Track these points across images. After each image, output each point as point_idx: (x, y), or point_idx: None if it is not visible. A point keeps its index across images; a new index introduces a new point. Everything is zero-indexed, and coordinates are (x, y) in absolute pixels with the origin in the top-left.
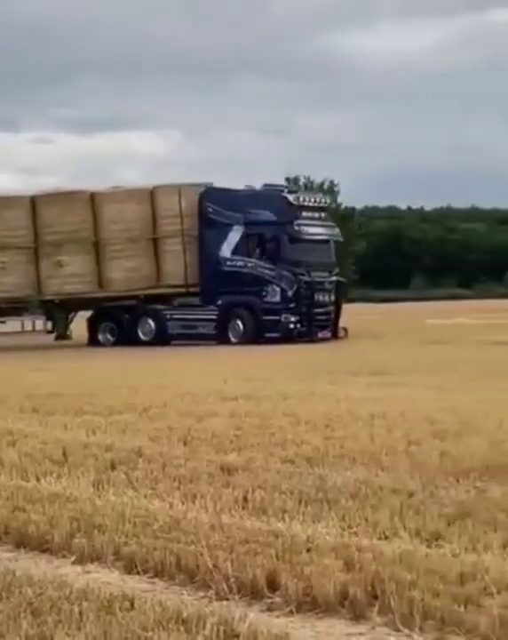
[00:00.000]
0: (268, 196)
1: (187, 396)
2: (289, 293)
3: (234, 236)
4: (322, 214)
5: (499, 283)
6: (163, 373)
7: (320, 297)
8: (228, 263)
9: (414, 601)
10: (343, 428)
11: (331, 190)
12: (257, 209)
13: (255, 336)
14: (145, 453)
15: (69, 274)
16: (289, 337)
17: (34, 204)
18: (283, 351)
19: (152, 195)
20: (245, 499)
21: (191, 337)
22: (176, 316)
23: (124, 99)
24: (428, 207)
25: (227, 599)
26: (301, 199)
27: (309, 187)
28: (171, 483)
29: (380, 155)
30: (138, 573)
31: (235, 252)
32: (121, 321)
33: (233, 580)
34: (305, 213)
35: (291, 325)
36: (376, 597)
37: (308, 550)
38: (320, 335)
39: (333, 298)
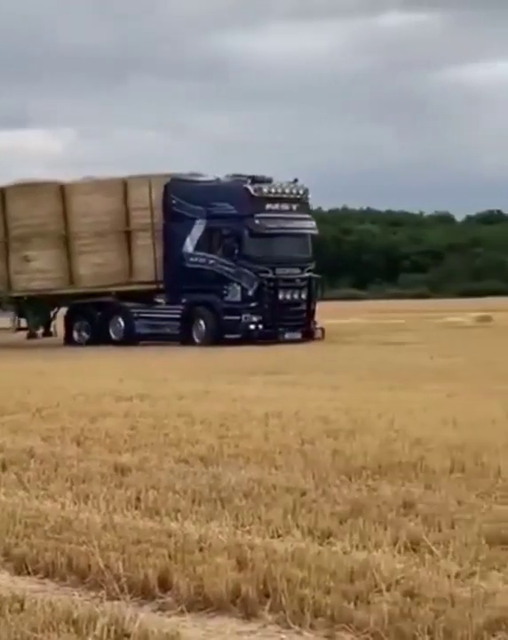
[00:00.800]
0: (229, 187)
1: (81, 397)
2: (250, 292)
3: (197, 230)
4: (294, 206)
5: (392, 283)
6: (60, 374)
7: (286, 295)
8: (191, 260)
9: (305, 598)
10: (238, 427)
11: None
12: (219, 201)
13: (216, 337)
14: (37, 453)
15: (36, 269)
16: (250, 338)
17: (3, 195)
18: (186, 351)
19: (124, 186)
20: (138, 499)
21: (157, 337)
22: (143, 315)
23: (19, 97)
24: (325, 208)
25: (119, 599)
26: (264, 190)
27: None
28: (64, 483)
29: (276, 155)
30: (28, 574)
31: (198, 247)
32: (94, 319)
33: (124, 580)
34: (269, 205)
35: (252, 326)
36: (267, 596)
37: (201, 549)
38: (287, 336)
39: (305, 296)
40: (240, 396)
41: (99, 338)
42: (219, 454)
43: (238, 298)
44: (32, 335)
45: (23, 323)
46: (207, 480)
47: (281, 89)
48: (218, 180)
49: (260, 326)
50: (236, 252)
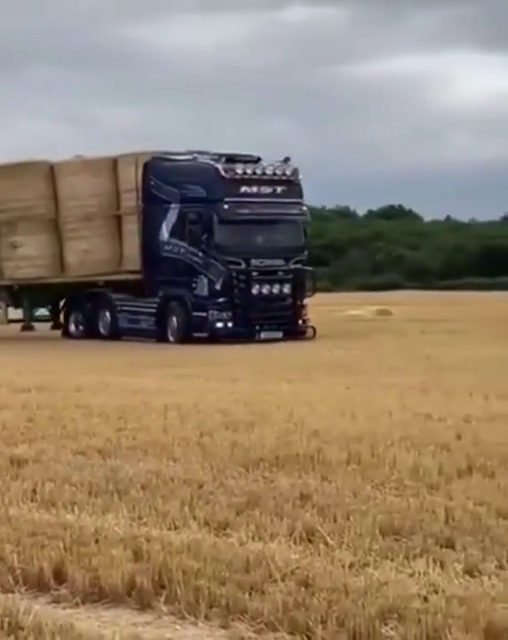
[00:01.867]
0: (200, 168)
1: None
2: (217, 285)
3: (172, 215)
4: (279, 189)
5: None
6: None
7: (262, 289)
8: (166, 248)
9: (200, 589)
10: (136, 419)
11: None
12: (191, 183)
13: (186, 335)
14: None
15: (23, 256)
16: (217, 337)
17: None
18: (88, 345)
19: (114, 165)
20: (34, 491)
21: (136, 332)
22: (125, 308)
23: None
24: None
25: (13, 592)
26: (238, 171)
27: None
28: None
29: (179, 147)
30: None
31: (172, 234)
32: (85, 311)
33: (19, 572)
34: (245, 188)
35: (220, 324)
36: (163, 587)
37: (96, 542)
38: (263, 336)
39: (289, 290)
40: (139, 389)
41: (91, 331)
42: (117, 446)
43: (205, 292)
44: (27, 327)
45: (13, 314)
46: (104, 472)
47: (185, 81)
48: (194, 158)
49: (229, 324)
50: (205, 240)
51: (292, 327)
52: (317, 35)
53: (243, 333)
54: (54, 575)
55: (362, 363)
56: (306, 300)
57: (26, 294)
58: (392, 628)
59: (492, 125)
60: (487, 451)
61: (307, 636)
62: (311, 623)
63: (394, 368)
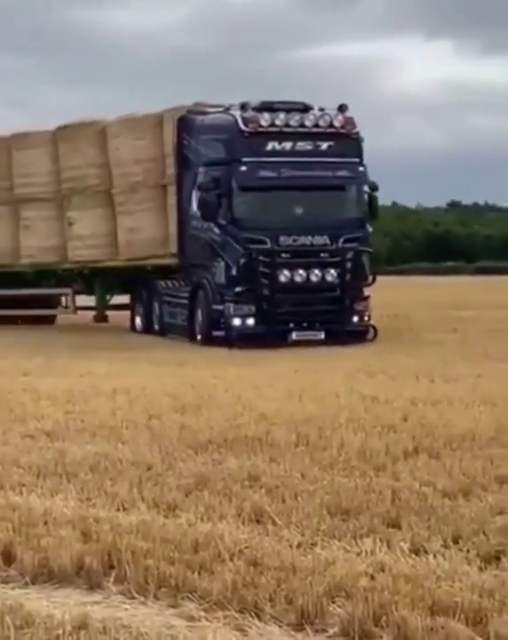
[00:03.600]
0: (221, 120)
1: None
2: (233, 270)
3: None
4: (324, 145)
5: None
6: None
7: (295, 276)
8: (193, 224)
9: (149, 569)
10: (84, 402)
11: None
12: (214, 141)
13: (208, 334)
14: None
15: (76, 235)
16: (236, 339)
17: (54, 141)
18: (29, 329)
19: (160, 124)
20: None
21: (175, 329)
22: (167, 299)
23: None
24: None
25: None
26: (263, 122)
27: None
28: None
29: None
30: None
31: (199, 206)
32: (144, 301)
33: None
34: (272, 145)
35: (236, 321)
36: (112, 567)
37: (45, 523)
38: (296, 337)
39: (335, 277)
40: (87, 372)
41: (149, 325)
42: (65, 429)
43: (223, 279)
44: (100, 317)
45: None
46: (52, 455)
47: (130, 64)
48: (226, 109)
49: (250, 321)
50: (222, 212)
51: (339, 326)
52: (263, 19)
53: (268, 334)
54: (3, 556)
55: (310, 347)
56: (366, 291)
57: (99, 279)
58: (339, 606)
59: (438, 112)
60: (432, 432)
61: (256, 614)
62: (259, 602)
63: (340, 352)
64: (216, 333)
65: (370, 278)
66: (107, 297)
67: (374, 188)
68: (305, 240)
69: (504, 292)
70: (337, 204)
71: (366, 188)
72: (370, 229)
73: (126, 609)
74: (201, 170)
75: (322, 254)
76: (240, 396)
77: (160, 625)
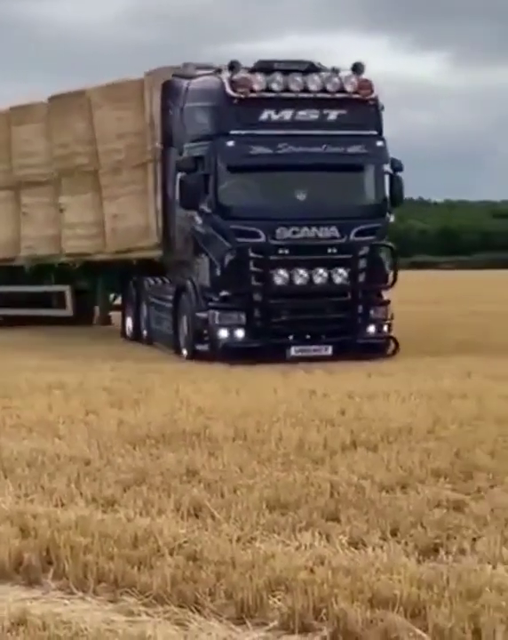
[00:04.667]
0: (207, 85)
1: None
2: (218, 270)
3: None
4: (334, 114)
5: None
6: None
7: (295, 277)
8: (177, 212)
9: (88, 564)
10: (20, 398)
11: None
12: (199, 110)
13: (192, 348)
14: None
15: (67, 224)
16: (222, 355)
17: (49, 114)
18: None
19: (140, 91)
20: None
21: (161, 337)
22: (153, 301)
23: None
24: None
25: None
26: (256, 86)
27: None
28: None
29: None
30: None
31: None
32: (133, 301)
33: None
34: (268, 114)
35: (223, 332)
36: (51, 563)
37: None
38: (295, 353)
39: (346, 278)
40: (23, 367)
41: (138, 330)
42: (1, 425)
43: (206, 281)
44: (103, 319)
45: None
46: None
47: (66, 57)
48: (216, 71)
49: (239, 333)
50: (205, 198)
51: (351, 338)
52: (203, 12)
53: (262, 349)
54: None
55: None
56: (385, 295)
57: (100, 275)
58: (279, 600)
59: None
60: (369, 426)
61: (196, 608)
62: (199, 596)
63: None
64: (200, 347)
65: (390, 279)
66: (111, 296)
67: (397, 167)
68: (309, 232)
69: (438, 287)
70: (349, 188)
71: (386, 168)
72: (391, 219)
73: (65, 604)
74: (186, 146)
75: (330, 250)
76: (177, 391)
77: (99, 620)
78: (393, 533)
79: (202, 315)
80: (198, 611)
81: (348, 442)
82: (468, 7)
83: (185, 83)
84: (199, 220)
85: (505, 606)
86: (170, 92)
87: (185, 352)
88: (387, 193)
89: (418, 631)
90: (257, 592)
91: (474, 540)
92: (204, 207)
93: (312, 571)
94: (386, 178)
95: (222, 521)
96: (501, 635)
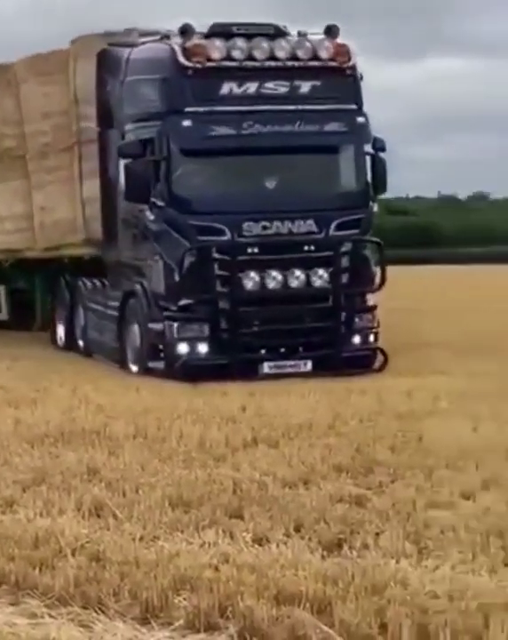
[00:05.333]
0: (153, 56)
1: None
2: (176, 274)
3: None
4: (306, 85)
5: None
6: None
7: (265, 280)
8: (122, 205)
9: None
10: None
11: None
12: (146, 84)
13: (143, 362)
14: None
15: None
16: (182, 373)
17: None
18: None
19: (66, 62)
20: None
21: (102, 348)
22: (91, 307)
23: None
24: None
25: None
26: (215, 54)
27: None
28: None
29: None
30: None
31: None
32: (66, 307)
33: None
34: (229, 87)
35: (183, 347)
36: None
37: None
38: (268, 369)
39: (326, 281)
40: None
41: (72, 339)
42: None
43: (160, 287)
44: (44, 325)
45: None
46: None
47: None
48: (163, 37)
49: (202, 348)
50: (156, 189)
51: (334, 351)
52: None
53: (229, 366)
54: None
55: None
56: (371, 299)
57: (36, 275)
58: (184, 599)
59: None
60: (270, 422)
61: (100, 609)
62: (103, 597)
63: None
64: (154, 364)
65: (378, 280)
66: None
67: (380, 147)
68: (282, 227)
69: None
70: (327, 173)
71: (368, 148)
72: (375, 209)
73: None
74: (129, 127)
75: (307, 247)
76: (75, 390)
77: (1, 623)
78: (297, 529)
79: (157, 326)
80: (102, 611)
81: (249, 439)
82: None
83: (125, 52)
84: (150, 214)
85: (410, 601)
86: (106, 63)
87: (134, 368)
88: (369, 178)
89: (325, 627)
90: (162, 591)
91: (377, 534)
92: (156, 199)
93: (216, 569)
94: (368, 160)
95: (124, 520)
96: (407, 629)
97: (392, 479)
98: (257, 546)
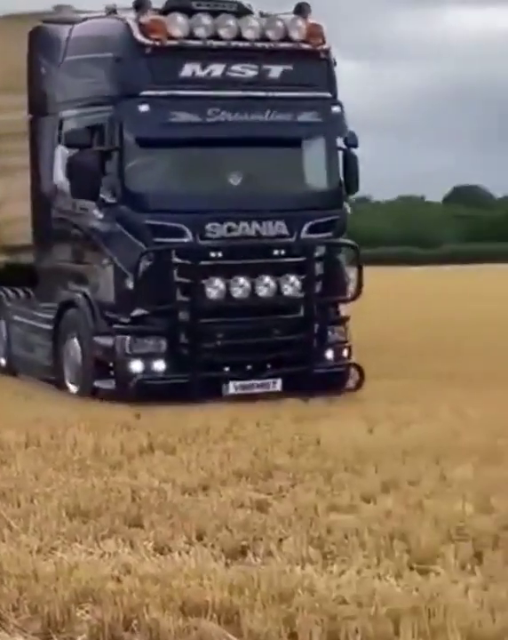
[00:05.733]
0: (101, 33)
1: None
2: (129, 281)
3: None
4: (277, 69)
5: None
6: None
7: (230, 289)
8: (58, 202)
9: None
10: None
11: None
12: (93, 65)
13: (87, 383)
14: None
15: None
16: (135, 396)
17: None
18: None
19: None
20: None
21: (31, 367)
22: (16, 320)
23: None
24: None
25: None
26: (176, 31)
27: None
28: None
29: None
30: None
31: (66, 175)
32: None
33: None
34: (191, 69)
35: (136, 365)
36: None
37: None
38: (234, 389)
39: (297, 289)
40: None
41: (10, 359)
42: None
43: (110, 295)
44: None
45: None
46: None
47: None
48: (111, 12)
49: (158, 365)
50: (106, 184)
51: (306, 368)
52: None
53: (190, 386)
54: None
55: None
56: (343, 309)
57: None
58: (87, 612)
59: None
60: (166, 428)
61: None
62: (2, 611)
63: None
64: (101, 385)
65: (352, 288)
66: None
67: (352, 143)
68: (249, 229)
69: None
70: (301, 169)
71: (340, 143)
72: (349, 210)
73: None
74: (68, 113)
75: (277, 252)
76: None
77: None
78: (199, 537)
79: (105, 341)
80: (1, 627)
81: (145, 445)
82: None
83: (65, 29)
84: (98, 213)
85: (319, 607)
86: (40, 42)
87: (74, 388)
88: (342, 176)
89: (233, 638)
90: (64, 605)
91: (280, 540)
92: (106, 196)
93: (119, 580)
94: (340, 156)
95: (20, 531)
96: (317, 637)
97: (292, 483)
98: (159, 555)
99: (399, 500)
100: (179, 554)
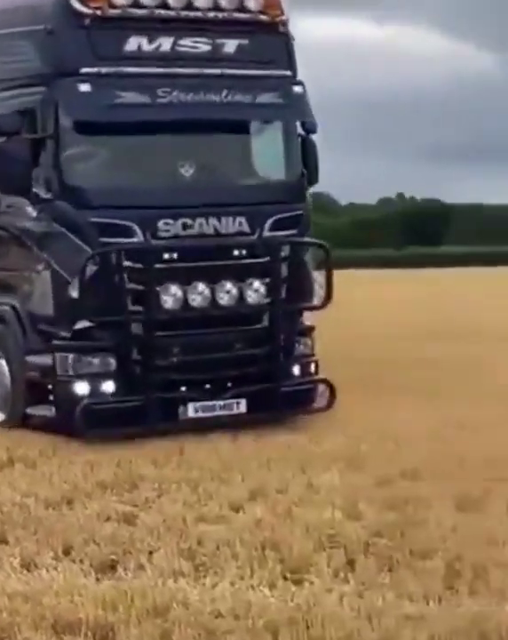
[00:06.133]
0: (31, 2)
1: None
2: (72, 290)
3: None
4: (232, 44)
5: None
6: None
7: (187, 296)
8: None
9: None
10: None
11: None
12: (19, 40)
13: (18, 410)
14: None
15: None
16: (80, 424)
17: None
18: None
19: None
20: None
21: None
22: None
23: None
24: None
25: None
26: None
27: None
28: None
29: None
30: None
31: None
32: None
33: None
34: (137, 43)
35: (81, 388)
36: None
37: None
38: (193, 412)
39: (261, 295)
40: None
41: None
42: None
43: (47, 306)
44: None
45: None
46: None
47: None
48: None
49: (106, 386)
50: (40, 178)
51: (272, 386)
52: None
53: (143, 410)
54: None
55: None
56: (307, 317)
57: None
58: None
59: None
60: (26, 441)
61: None
62: None
63: None
64: (36, 411)
65: (321, 294)
66: None
67: (310, 128)
68: (206, 226)
69: None
70: (259, 158)
71: (297, 128)
72: (309, 203)
73: None
74: None
75: (238, 252)
76: None
77: None
78: (66, 552)
79: (40, 360)
80: None
81: (5, 459)
82: None
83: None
84: (31, 210)
85: (195, 621)
86: None
87: (0, 416)
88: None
89: None
90: None
91: (150, 553)
92: (39, 191)
93: None
94: (299, 142)
95: None
96: None
97: (159, 494)
98: (26, 571)
99: (268, 508)
100: (47, 570)
